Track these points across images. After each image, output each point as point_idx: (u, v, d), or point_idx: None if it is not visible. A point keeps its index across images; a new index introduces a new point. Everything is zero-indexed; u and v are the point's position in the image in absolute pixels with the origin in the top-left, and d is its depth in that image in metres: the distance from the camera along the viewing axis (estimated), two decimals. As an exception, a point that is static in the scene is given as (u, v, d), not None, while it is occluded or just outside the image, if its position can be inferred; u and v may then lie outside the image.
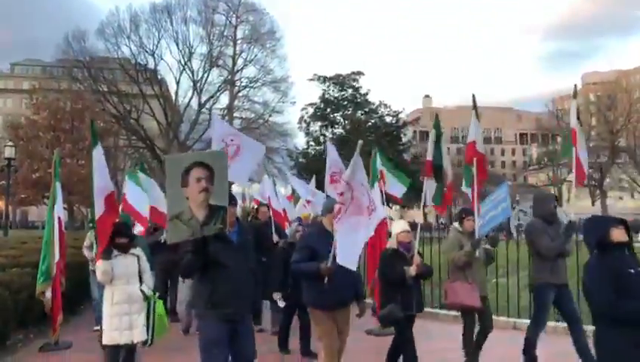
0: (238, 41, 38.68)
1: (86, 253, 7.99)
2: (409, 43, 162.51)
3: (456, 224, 6.05)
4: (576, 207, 43.61)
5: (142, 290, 5.25)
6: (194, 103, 38.28)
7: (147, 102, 36.54)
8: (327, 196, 8.15)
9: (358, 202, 4.49)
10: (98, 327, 6.75)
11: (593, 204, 46.98)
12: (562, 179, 49.49)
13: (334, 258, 4.30)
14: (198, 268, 3.91)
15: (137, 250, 5.42)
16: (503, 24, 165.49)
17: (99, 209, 5.81)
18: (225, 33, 38.14)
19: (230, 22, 38.18)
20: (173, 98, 38.54)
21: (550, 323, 6.66)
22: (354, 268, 4.56)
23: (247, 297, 4.08)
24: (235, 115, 39.15)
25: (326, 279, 4.36)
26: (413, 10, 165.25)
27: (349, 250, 4.37)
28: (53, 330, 7.02)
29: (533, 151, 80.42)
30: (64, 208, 7.39)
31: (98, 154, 6.19)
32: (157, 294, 5.47)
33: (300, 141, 45.01)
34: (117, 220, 5.93)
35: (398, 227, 5.44)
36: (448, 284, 5.79)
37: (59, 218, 7.05)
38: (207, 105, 38.39)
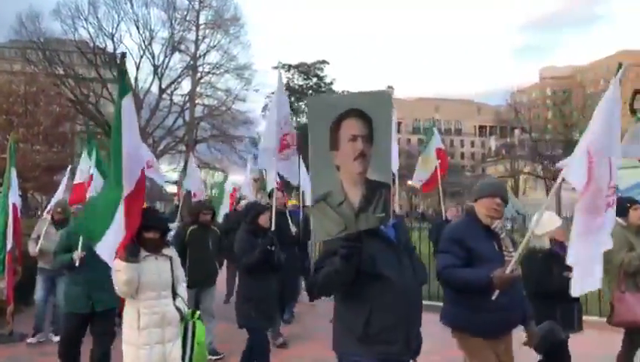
0: (201, 26, 37.92)
1: (31, 247, 6.96)
2: (373, 33, 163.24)
3: (619, 218, 4.46)
4: (530, 198, 45.12)
5: (178, 308, 3.93)
6: (154, 89, 37.45)
7: (106, 86, 35.50)
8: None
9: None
10: (34, 339, 6.69)
11: (548, 195, 48.67)
12: (519, 170, 50.95)
13: (517, 263, 3.16)
14: (347, 282, 2.59)
15: (171, 250, 4.08)
16: (467, 17, 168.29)
17: (128, 184, 3.80)
18: (187, 17, 37.33)
19: (193, 6, 37.36)
20: (133, 83, 37.57)
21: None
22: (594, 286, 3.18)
23: (417, 325, 2.78)
24: (197, 101, 38.49)
25: (496, 293, 3.09)
26: (378, 0, 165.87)
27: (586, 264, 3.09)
28: (6, 322, 6.82)
29: (492, 143, 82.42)
30: (19, 195, 7.11)
31: (129, 104, 3.95)
32: (197, 312, 4.20)
33: (264, 129, 44.79)
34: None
35: (551, 222, 4.30)
36: (617, 296, 4.57)
37: (14, 204, 6.82)
38: (168, 91, 37.62)
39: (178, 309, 3.92)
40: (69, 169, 7.81)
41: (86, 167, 7.73)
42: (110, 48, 35.49)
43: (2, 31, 37.37)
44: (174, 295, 3.97)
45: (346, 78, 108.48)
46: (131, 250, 3.73)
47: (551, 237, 4.25)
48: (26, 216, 7.07)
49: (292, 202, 9.18)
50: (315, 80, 42.92)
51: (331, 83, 42.90)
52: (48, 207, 7.64)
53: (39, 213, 7.43)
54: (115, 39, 35.27)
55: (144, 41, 36.33)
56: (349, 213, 2.38)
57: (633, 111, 12.26)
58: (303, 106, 42.60)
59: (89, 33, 34.86)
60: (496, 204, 3.43)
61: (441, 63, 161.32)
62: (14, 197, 6.89)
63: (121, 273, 3.68)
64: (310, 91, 42.83)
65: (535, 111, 53.72)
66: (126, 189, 3.75)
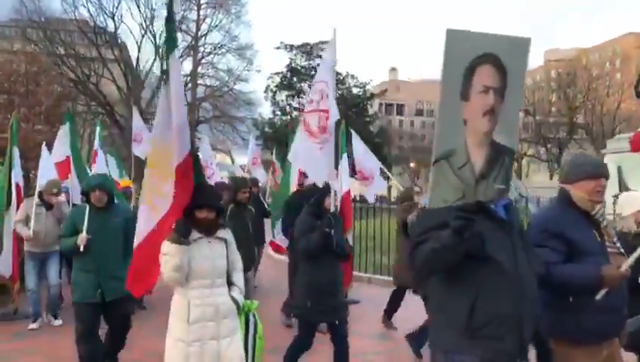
0: (202, 6, 37.54)
1: (22, 229, 6.50)
2: (377, 14, 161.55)
3: None
4: (533, 181, 45.06)
5: (234, 299, 3.47)
6: (156, 69, 37.22)
7: (107, 66, 35.27)
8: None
9: None
10: (35, 325, 6.47)
11: (551, 178, 48.59)
12: (522, 153, 50.83)
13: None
14: (454, 262, 2.18)
15: (226, 232, 3.57)
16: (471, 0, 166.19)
17: (178, 154, 3.33)
18: (189, -4, 36.93)
19: (194, -15, 36.94)
20: (135, 63, 37.34)
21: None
22: None
23: (532, 321, 2.34)
24: (198, 82, 38.28)
25: (602, 293, 2.68)
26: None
27: None
28: (11, 300, 6.87)
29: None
30: (22, 175, 7.12)
31: (176, 64, 3.53)
32: (255, 303, 3.79)
33: (266, 110, 44.65)
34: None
35: (635, 201, 3.94)
36: None
37: (17, 184, 6.83)
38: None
39: (234, 300, 3.45)
40: (43, 147, 7.54)
41: (64, 144, 8.06)
42: (111, 28, 35.25)
43: (2, 10, 37.04)
44: (230, 284, 3.51)
45: (349, 59, 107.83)
46: (182, 231, 3.28)
47: (637, 218, 3.81)
48: (28, 195, 6.98)
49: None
50: (317, 60, 42.45)
51: (334, 64, 42.51)
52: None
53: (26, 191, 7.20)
54: (115, 18, 34.99)
55: (145, 21, 36.03)
56: (469, 179, 2.03)
57: (638, 94, 12.16)
58: (306, 87, 42.33)
59: (89, 12, 34.59)
60: (600, 186, 2.90)
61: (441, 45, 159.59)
62: (17, 177, 6.90)
63: (169, 257, 3.24)
64: (313, 72, 42.44)
65: (539, 94, 53.32)
66: (176, 160, 3.28)
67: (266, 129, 41.02)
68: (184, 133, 3.36)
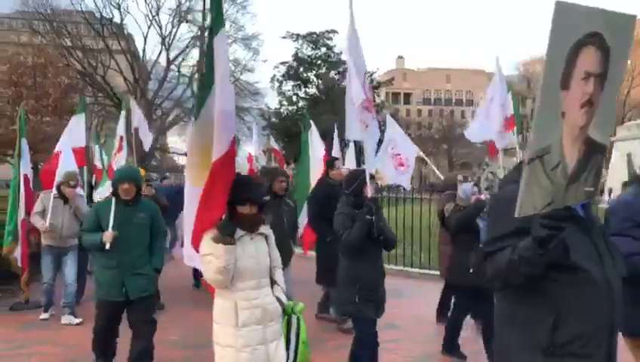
0: (208, -4, 37.44)
1: (37, 221, 6.39)
2: (383, 2, 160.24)
3: None
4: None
5: (279, 299, 3.24)
6: (162, 60, 37.22)
7: (113, 57, 35.32)
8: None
9: None
10: (46, 315, 6.50)
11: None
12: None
13: None
14: (535, 276, 1.90)
15: (266, 228, 3.33)
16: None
17: (221, 145, 3.04)
18: (194, -14, 36.82)
19: (200, -25, 36.80)
20: (141, 54, 37.35)
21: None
22: None
23: (615, 332, 2.06)
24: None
25: None
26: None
27: None
28: (22, 290, 6.96)
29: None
30: (31, 167, 7.17)
31: (223, 43, 3.17)
32: (300, 305, 3.44)
33: (272, 100, 44.58)
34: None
35: None
36: None
37: (25, 175, 6.88)
38: (176, 62, 37.40)
39: (279, 301, 3.22)
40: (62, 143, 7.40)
41: (81, 130, 7.98)
42: (117, 19, 35.24)
43: (8, 1, 37.07)
44: (272, 282, 3.27)
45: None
46: (228, 228, 3.02)
47: None
48: (37, 187, 7.01)
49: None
50: (324, 50, 42.25)
51: (340, 53, 42.21)
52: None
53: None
54: (121, 9, 34.99)
55: (151, 12, 35.99)
56: (560, 181, 1.75)
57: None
58: (312, 77, 42.15)
59: (95, 4, 34.63)
60: None
61: (452, 33, 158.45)
62: (26, 169, 6.95)
63: (213, 258, 2.99)
64: (319, 61, 42.25)
65: (547, 81, 52.82)
66: (217, 152, 2.98)
67: (273, 119, 40.95)
68: (229, 119, 3.07)
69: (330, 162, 6.79)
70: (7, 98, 29.29)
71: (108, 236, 4.29)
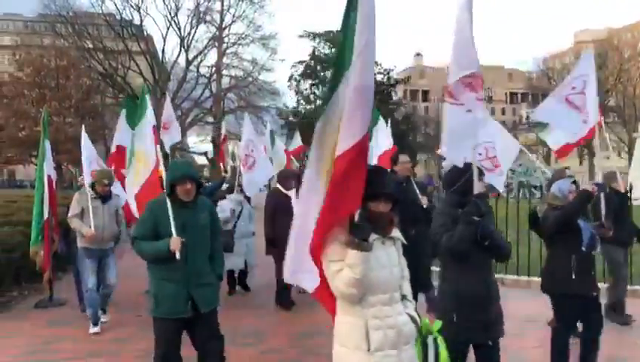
0: (226, -4, 37.67)
1: (77, 223, 6.02)
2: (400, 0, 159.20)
3: None
4: (563, 166, 44.08)
5: (412, 317, 2.69)
6: (181, 60, 37.62)
7: (133, 58, 35.80)
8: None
9: None
10: (97, 329, 5.89)
11: (581, 163, 47.49)
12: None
13: None
14: None
15: (396, 230, 2.72)
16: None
17: (357, 128, 2.42)
18: (212, -13, 37.10)
19: (217, -24, 37.08)
20: (160, 55, 37.81)
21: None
22: None
23: None
24: (223, 72, 38.55)
25: None
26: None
27: None
28: (45, 288, 7.12)
29: (523, 110, 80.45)
30: (53, 168, 7.31)
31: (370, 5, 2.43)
32: (438, 323, 2.82)
33: (290, 99, 44.69)
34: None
35: None
36: None
37: (49, 176, 7.04)
38: (195, 63, 37.76)
39: (413, 319, 2.68)
40: (83, 134, 7.08)
41: (125, 129, 7.27)
42: (137, 20, 35.73)
43: (31, 5, 37.81)
44: (403, 298, 2.71)
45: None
46: (364, 231, 2.46)
47: None
48: (60, 187, 7.12)
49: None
50: (341, 48, 42.24)
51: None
52: (81, 179, 7.16)
53: (75, 184, 7.23)
54: (141, 11, 35.48)
55: (170, 13, 36.40)
56: None
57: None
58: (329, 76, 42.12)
59: (116, 5, 35.14)
60: None
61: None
62: (49, 169, 7.11)
63: (346, 268, 2.44)
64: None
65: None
66: (349, 137, 2.38)
67: (290, 118, 41.08)
68: (367, 98, 2.43)
69: (394, 156, 6.31)
70: (31, 100, 29.94)
71: (176, 243, 3.61)
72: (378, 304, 2.56)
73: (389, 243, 2.65)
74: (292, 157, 9.82)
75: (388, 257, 2.62)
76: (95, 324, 5.88)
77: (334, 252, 2.48)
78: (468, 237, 3.33)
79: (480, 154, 5.15)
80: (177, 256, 3.61)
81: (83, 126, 7.02)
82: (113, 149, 6.92)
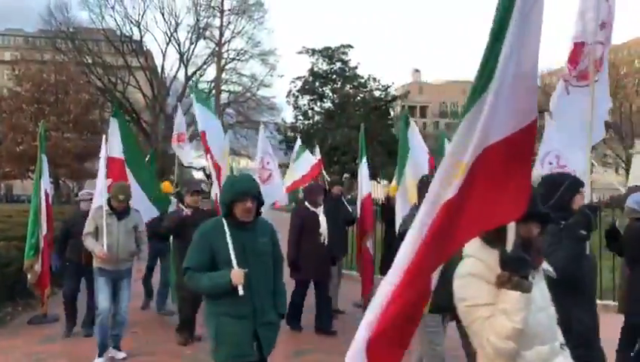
0: (226, 12, 38.06)
1: (90, 243, 5.51)
2: (399, 16, 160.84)
3: None
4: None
5: None
6: (180, 76, 37.84)
7: (133, 74, 36.00)
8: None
9: None
10: (102, 360, 5.45)
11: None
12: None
13: None
14: None
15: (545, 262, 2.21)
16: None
17: (516, 118, 1.90)
18: (212, 4, 37.51)
19: (217, -8, 37.48)
20: (160, 70, 38.02)
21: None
22: None
23: None
24: (222, 88, 38.76)
25: None
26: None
27: None
28: (41, 303, 7.06)
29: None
30: (50, 182, 7.28)
31: None
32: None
33: (289, 115, 44.88)
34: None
35: None
36: None
37: (45, 191, 7.01)
38: (194, 78, 37.96)
39: None
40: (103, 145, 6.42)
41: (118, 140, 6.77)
42: (136, 36, 35.99)
43: (32, 21, 38.10)
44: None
45: (371, 62, 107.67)
46: (522, 264, 1.89)
47: None
48: (57, 202, 7.06)
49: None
50: (339, 64, 42.49)
51: (356, 67, 42.48)
52: (81, 194, 7.03)
53: (75, 198, 7.08)
54: (141, 27, 35.78)
55: (170, 29, 36.72)
56: None
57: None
58: (328, 92, 42.37)
59: (116, 21, 35.46)
60: None
61: (469, 45, 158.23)
62: (46, 184, 7.09)
63: (499, 314, 1.91)
64: (334, 76, 42.50)
65: (565, 93, 52.29)
66: (505, 129, 1.86)
67: (289, 133, 41.21)
68: (532, 86, 1.91)
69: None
70: (30, 114, 29.98)
71: (239, 276, 3.04)
72: (537, 359, 2.01)
73: (538, 278, 2.09)
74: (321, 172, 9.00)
75: (541, 295, 2.09)
76: (100, 355, 5.39)
77: (479, 292, 1.92)
78: (576, 256, 2.73)
79: (550, 163, 4.89)
80: (240, 291, 3.04)
81: (104, 137, 6.49)
82: (103, 161, 6.21)
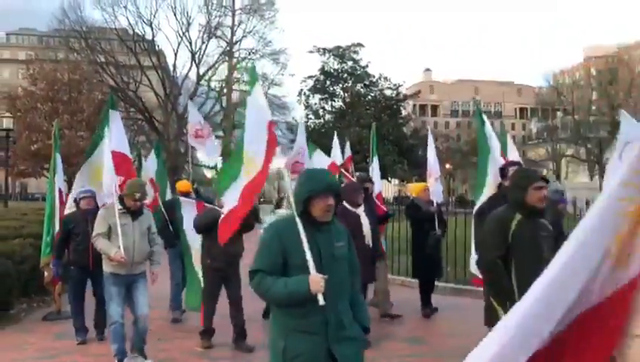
0: (237, 12, 38.14)
1: (104, 244, 5.04)
2: (410, 15, 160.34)
3: None
4: (574, 182, 43.80)
5: None
6: (192, 75, 37.99)
7: (145, 73, 36.21)
8: None
9: None
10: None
11: (591, 178, 47.12)
12: (561, 154, 49.52)
13: None
14: None
15: None
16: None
17: None
18: (223, 3, 37.59)
19: (229, -9, 37.57)
20: (171, 69, 38.21)
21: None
22: None
23: None
24: (234, 87, 38.85)
25: None
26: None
27: None
28: (54, 300, 7.15)
29: (533, 125, 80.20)
30: (64, 180, 7.37)
31: None
32: None
33: (299, 114, 44.89)
34: None
35: None
36: None
37: (59, 189, 7.10)
38: (206, 77, 38.10)
39: None
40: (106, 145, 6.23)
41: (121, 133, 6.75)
42: (149, 35, 36.19)
43: (46, 20, 38.52)
44: None
45: (382, 61, 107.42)
46: None
47: None
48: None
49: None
50: (350, 63, 42.48)
51: (366, 66, 42.46)
52: (80, 191, 6.39)
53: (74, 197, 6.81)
54: (153, 26, 35.95)
55: (181, 28, 36.84)
56: None
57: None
58: (339, 90, 42.34)
59: (128, 21, 35.66)
60: None
61: (480, 44, 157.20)
62: (60, 182, 7.18)
63: None
64: (345, 75, 42.49)
65: (578, 93, 51.84)
66: None
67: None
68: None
69: (503, 170, 4.98)
70: (44, 113, 30.31)
71: (318, 283, 2.59)
72: None
73: None
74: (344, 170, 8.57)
75: None
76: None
77: None
78: None
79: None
80: (321, 300, 2.59)
81: (105, 130, 6.43)
82: (107, 154, 5.90)
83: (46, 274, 6.95)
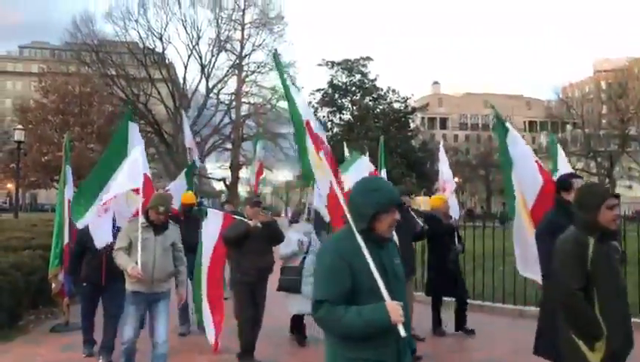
0: (247, 25, 38.49)
1: (123, 259, 4.80)
2: (418, 28, 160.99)
3: None
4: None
5: None
6: (202, 88, 38.28)
7: (155, 86, 36.54)
8: None
9: None
10: None
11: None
12: (572, 167, 49.29)
13: None
14: None
15: None
16: (515, 9, 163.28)
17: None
18: (233, 17, 37.96)
19: (238, 5, 37.96)
20: (181, 82, 38.53)
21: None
22: None
23: None
24: (242, 100, 39.06)
25: None
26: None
27: None
28: (62, 312, 7.15)
29: (542, 138, 79.84)
30: (74, 191, 7.41)
31: None
32: None
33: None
34: None
35: None
36: None
37: (69, 201, 7.13)
38: (215, 90, 38.38)
39: None
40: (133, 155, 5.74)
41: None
42: (159, 48, 36.56)
43: (59, 34, 39.06)
44: None
45: (390, 75, 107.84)
46: None
47: None
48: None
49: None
50: (358, 76, 42.62)
51: (375, 79, 42.57)
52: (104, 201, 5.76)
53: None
54: (163, 39, 36.33)
55: (191, 41, 37.21)
56: None
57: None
58: (347, 104, 42.42)
59: (139, 34, 36.08)
60: None
61: (489, 57, 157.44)
62: (69, 194, 7.21)
63: None
64: (354, 88, 42.59)
65: (588, 106, 51.64)
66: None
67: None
68: None
69: (566, 182, 4.48)
70: (55, 125, 30.63)
71: (397, 311, 2.32)
72: None
73: None
74: None
75: None
76: None
77: None
78: None
79: None
80: (402, 332, 2.32)
81: (128, 145, 6.29)
82: (132, 170, 5.41)
83: (53, 285, 6.95)
